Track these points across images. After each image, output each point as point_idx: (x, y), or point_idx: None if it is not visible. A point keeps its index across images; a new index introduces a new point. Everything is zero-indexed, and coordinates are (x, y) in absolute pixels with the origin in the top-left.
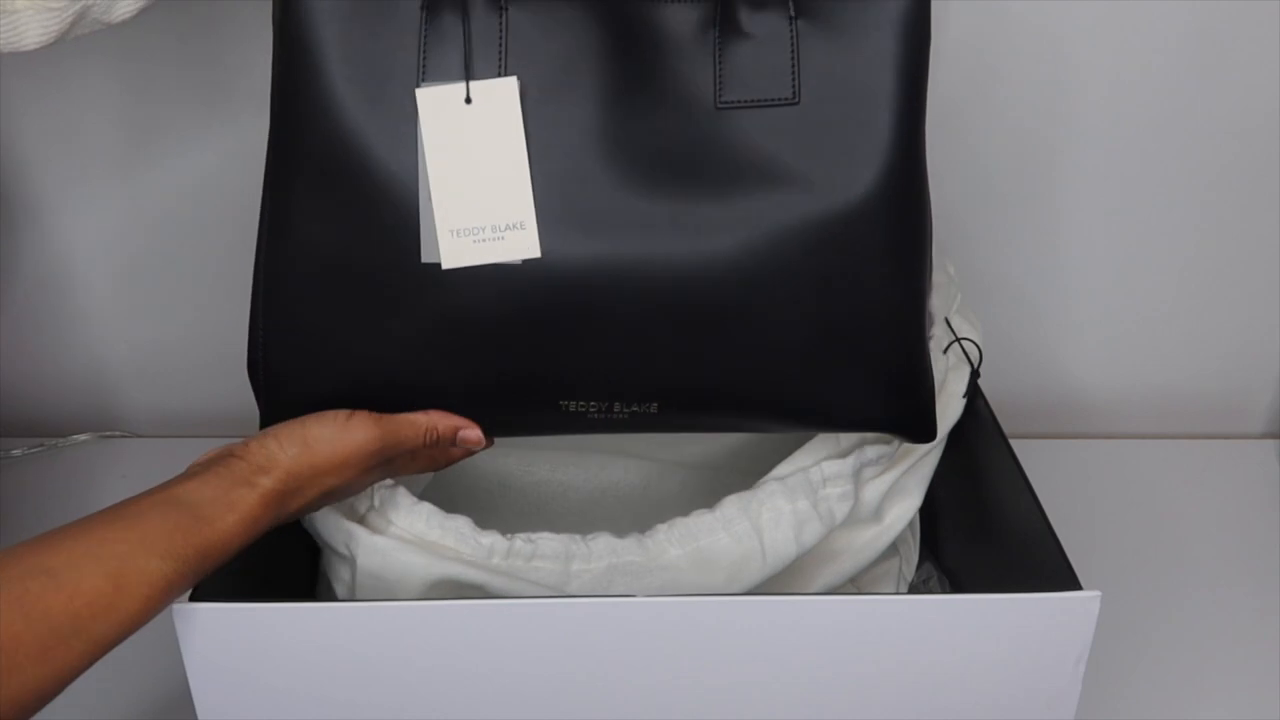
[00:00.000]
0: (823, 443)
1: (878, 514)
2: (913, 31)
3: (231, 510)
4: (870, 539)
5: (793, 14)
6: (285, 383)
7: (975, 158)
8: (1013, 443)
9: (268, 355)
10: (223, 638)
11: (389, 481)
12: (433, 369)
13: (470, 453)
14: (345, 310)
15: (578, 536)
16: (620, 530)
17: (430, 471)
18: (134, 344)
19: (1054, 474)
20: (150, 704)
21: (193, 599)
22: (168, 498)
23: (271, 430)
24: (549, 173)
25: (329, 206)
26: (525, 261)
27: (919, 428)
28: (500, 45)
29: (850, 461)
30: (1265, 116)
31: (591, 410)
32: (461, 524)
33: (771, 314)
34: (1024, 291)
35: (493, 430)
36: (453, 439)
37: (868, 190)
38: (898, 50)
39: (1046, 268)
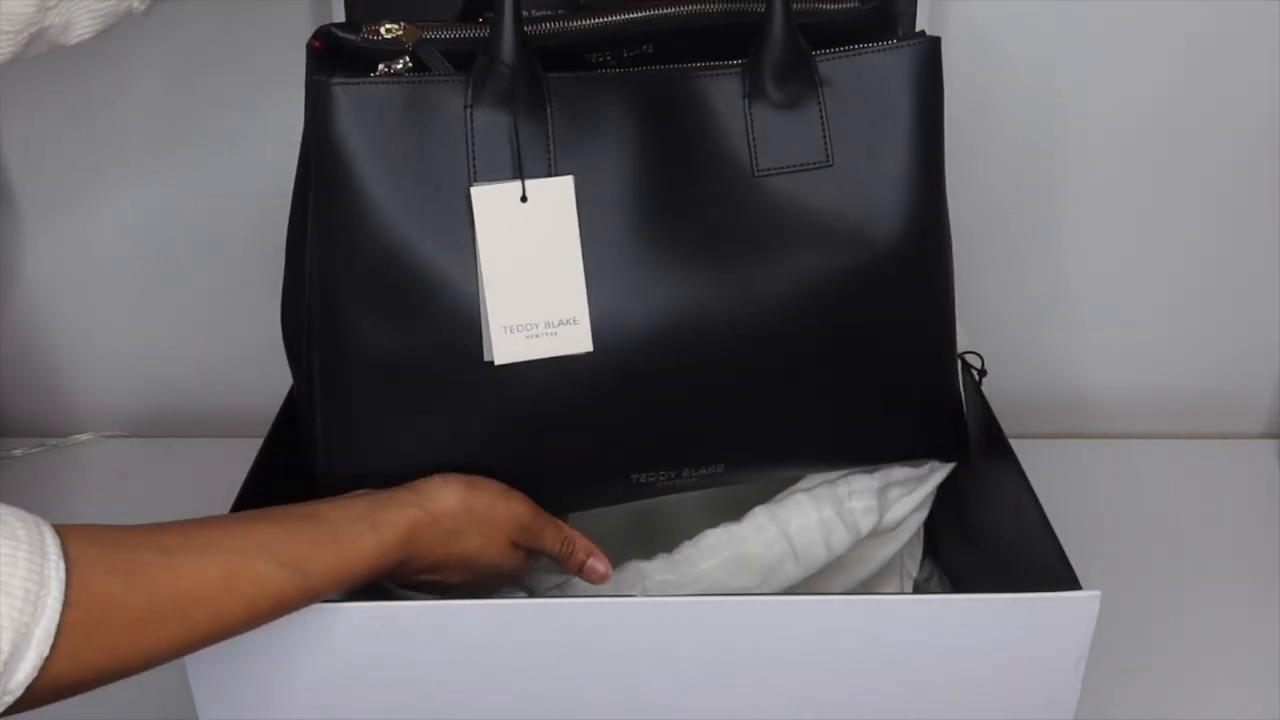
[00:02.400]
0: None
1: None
2: (925, 81)
3: (372, 531)
4: (884, 550)
5: (817, 80)
6: (347, 477)
7: (976, 159)
8: (1013, 443)
9: (330, 457)
10: None
11: None
12: (500, 461)
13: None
14: (408, 411)
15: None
16: (625, 528)
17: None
18: (135, 344)
19: (1054, 474)
20: (150, 704)
21: None
22: (310, 510)
23: (439, 473)
24: (598, 257)
25: (384, 312)
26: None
27: (952, 448)
28: (549, 140)
29: (876, 479)
30: (1265, 118)
31: (661, 479)
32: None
33: (820, 364)
34: (1024, 292)
35: (568, 507)
36: (581, 564)
37: (900, 237)
38: (913, 101)
39: (1047, 269)
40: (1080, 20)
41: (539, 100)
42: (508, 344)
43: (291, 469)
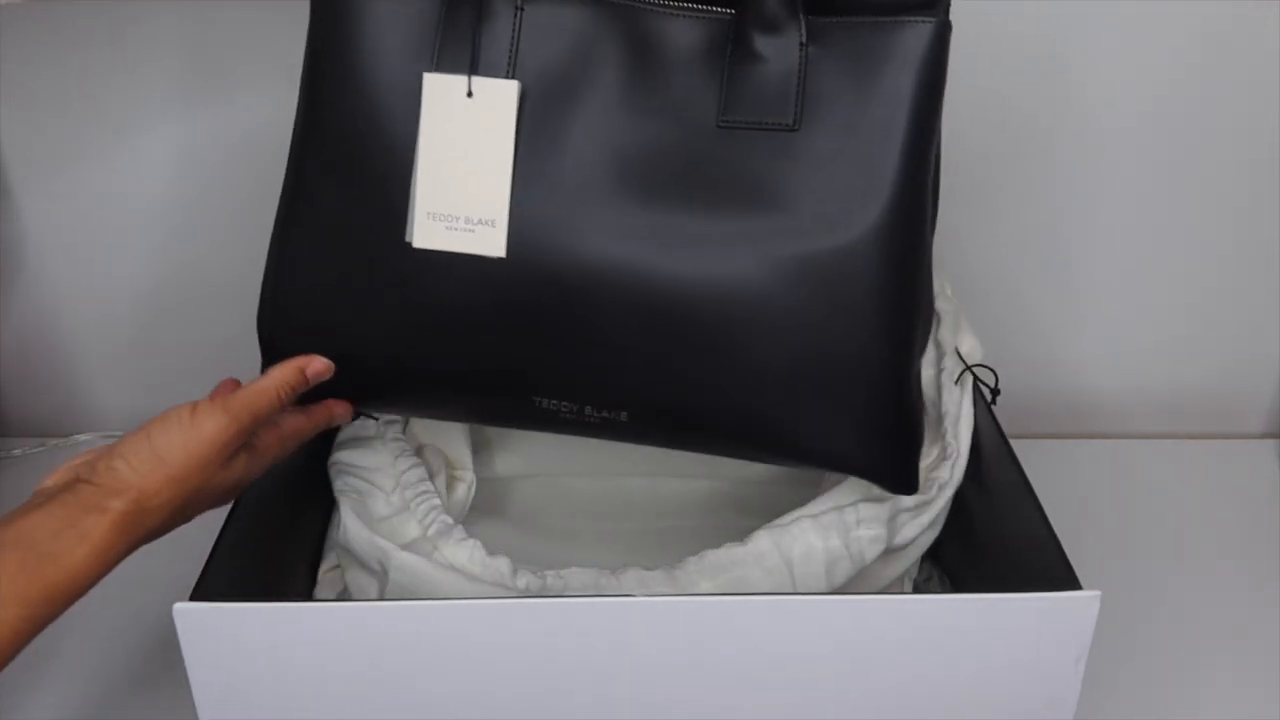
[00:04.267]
0: (858, 485)
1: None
2: (928, 72)
3: (82, 541)
4: (890, 570)
5: (803, 40)
6: (283, 344)
7: (976, 157)
8: (1013, 443)
9: (274, 315)
10: (223, 638)
11: (447, 518)
12: (415, 349)
13: (331, 417)
14: (343, 280)
15: (606, 570)
16: (625, 534)
17: (296, 439)
18: (135, 344)
19: (1054, 474)
20: (150, 704)
21: (193, 599)
22: (12, 535)
23: (118, 449)
24: (535, 170)
25: (341, 178)
26: (502, 258)
27: (899, 479)
28: (512, 45)
29: (886, 507)
30: (1266, 117)
31: (564, 410)
32: (501, 564)
33: (750, 339)
34: (1024, 292)
35: (473, 418)
36: (304, 380)
37: (863, 227)
38: (910, 90)
39: (1047, 268)
40: (1083, 20)
41: (511, 5)
42: (428, 230)
43: (291, 468)
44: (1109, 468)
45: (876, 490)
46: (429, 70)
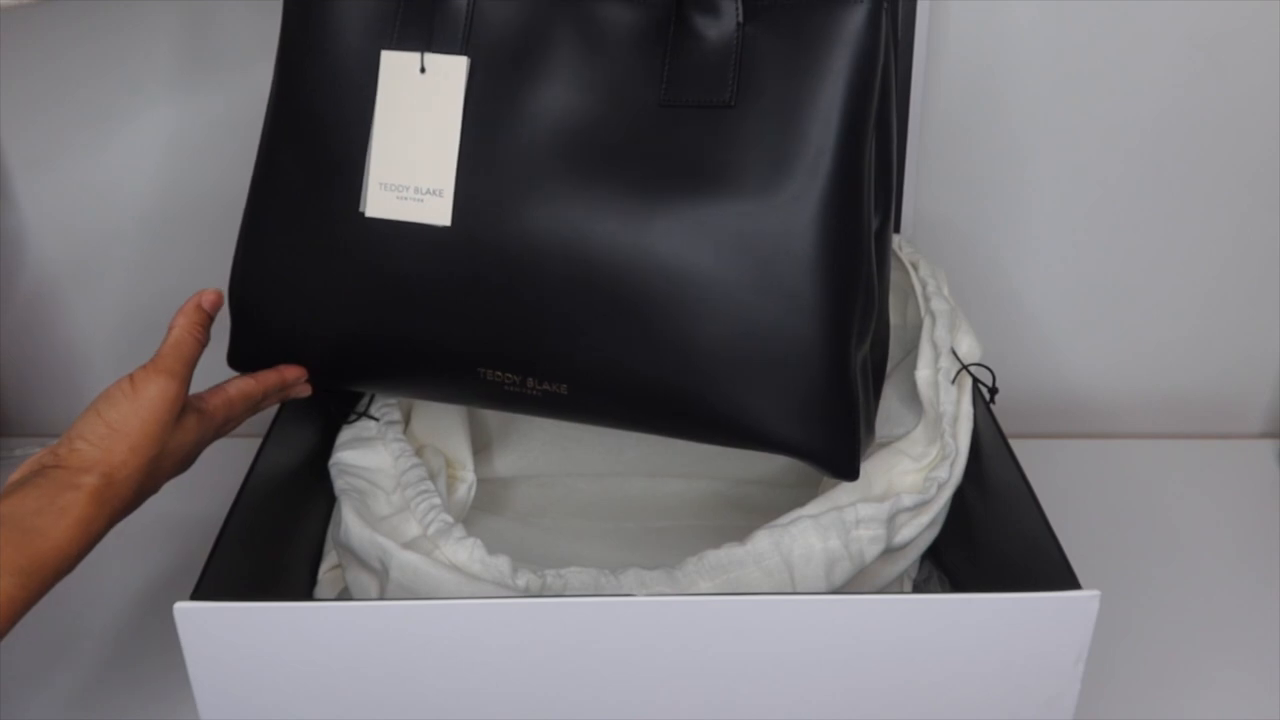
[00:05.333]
0: (858, 485)
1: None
2: (863, 52)
3: (62, 516)
4: (891, 569)
5: (740, 20)
6: (251, 317)
7: (974, 157)
8: (1013, 443)
9: (242, 287)
10: (223, 638)
11: (447, 517)
12: (369, 321)
13: (283, 381)
14: (305, 254)
15: (607, 570)
16: (625, 534)
17: (245, 400)
18: (135, 344)
19: (1053, 474)
20: (150, 704)
21: (193, 599)
22: None
23: (75, 431)
24: (487, 145)
25: (307, 154)
26: (449, 228)
27: (838, 463)
28: (466, 23)
29: (886, 507)
30: (1265, 116)
31: (507, 382)
32: (502, 563)
33: (689, 316)
34: (1023, 291)
35: (423, 392)
36: (204, 314)
37: (800, 205)
38: (846, 69)
39: (1046, 268)
40: (1081, 21)
41: None
42: (380, 199)
43: (291, 468)
44: (1108, 468)
45: (876, 490)
46: (388, 49)
